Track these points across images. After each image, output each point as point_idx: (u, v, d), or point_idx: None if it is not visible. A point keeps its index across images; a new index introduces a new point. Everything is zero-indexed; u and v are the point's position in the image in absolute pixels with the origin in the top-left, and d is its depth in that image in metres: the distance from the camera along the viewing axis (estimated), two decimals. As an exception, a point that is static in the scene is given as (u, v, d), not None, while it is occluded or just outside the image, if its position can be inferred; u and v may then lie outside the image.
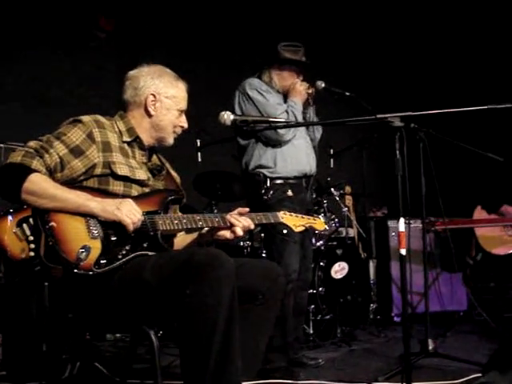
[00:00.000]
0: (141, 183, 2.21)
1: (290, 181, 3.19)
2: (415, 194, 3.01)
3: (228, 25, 5.57)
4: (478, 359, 3.07)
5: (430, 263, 3.90)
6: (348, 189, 4.85)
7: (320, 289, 4.06)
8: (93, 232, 2.01)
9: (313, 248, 3.70)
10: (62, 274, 1.92)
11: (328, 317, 4.05)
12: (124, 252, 2.03)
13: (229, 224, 2.23)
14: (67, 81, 4.67)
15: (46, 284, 1.98)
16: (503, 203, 4.44)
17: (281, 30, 5.37)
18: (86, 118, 2.17)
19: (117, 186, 2.15)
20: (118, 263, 2.00)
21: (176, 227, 2.15)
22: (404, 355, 2.37)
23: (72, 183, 2.10)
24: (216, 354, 1.82)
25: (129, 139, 2.24)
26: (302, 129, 3.30)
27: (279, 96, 3.27)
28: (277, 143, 3.16)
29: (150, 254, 2.08)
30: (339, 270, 4.25)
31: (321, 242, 4.24)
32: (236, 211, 2.27)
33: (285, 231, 3.02)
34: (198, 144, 4.36)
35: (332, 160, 4.49)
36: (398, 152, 2.39)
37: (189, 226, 2.18)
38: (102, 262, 1.97)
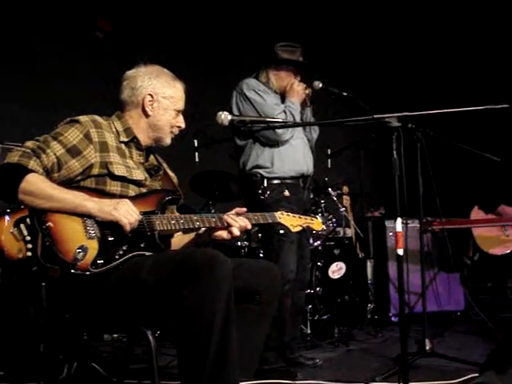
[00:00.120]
0: (138, 183, 2.21)
1: (287, 181, 3.19)
2: (413, 194, 3.02)
3: (225, 25, 5.57)
4: (476, 359, 3.08)
5: (427, 263, 3.92)
6: (345, 189, 4.87)
7: (317, 289, 4.06)
8: (90, 232, 2.01)
9: (310, 248, 3.69)
10: (59, 274, 1.92)
11: (325, 317, 4.05)
12: (121, 252, 2.03)
13: (226, 224, 2.22)
14: (65, 81, 4.67)
15: (43, 284, 1.97)
16: (500, 203, 4.43)
17: (278, 30, 5.37)
18: (83, 118, 2.17)
19: (114, 187, 2.14)
20: (115, 263, 2.00)
21: (173, 227, 2.15)
22: (401, 355, 2.37)
23: (69, 183, 2.10)
24: (213, 354, 1.82)
25: (126, 139, 2.24)
26: (300, 129, 3.30)
27: (277, 96, 3.27)
28: (275, 143, 3.16)
29: (147, 254, 2.08)
30: (337, 269, 4.25)
31: (318, 242, 4.24)
32: (233, 211, 2.27)
33: (282, 231, 3.03)
34: (196, 144, 4.37)
35: (329, 160, 4.49)
36: (395, 152, 2.39)
37: (186, 227, 2.18)
38: (99, 262, 1.97)
